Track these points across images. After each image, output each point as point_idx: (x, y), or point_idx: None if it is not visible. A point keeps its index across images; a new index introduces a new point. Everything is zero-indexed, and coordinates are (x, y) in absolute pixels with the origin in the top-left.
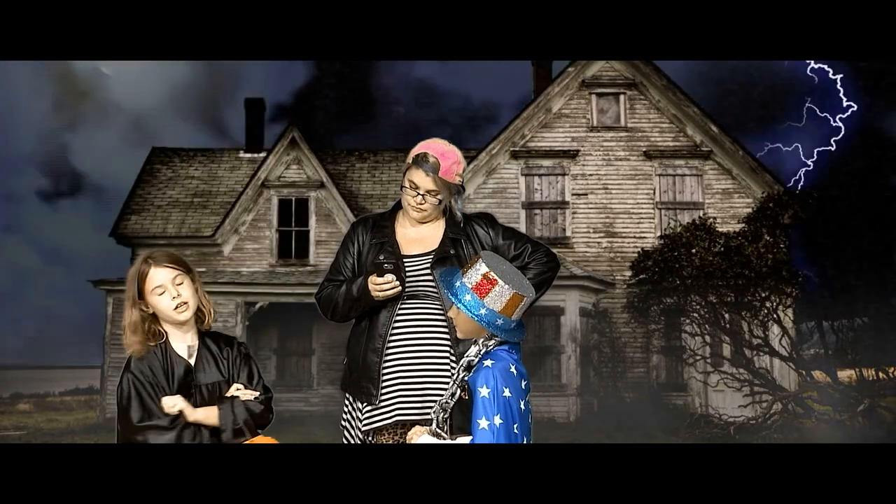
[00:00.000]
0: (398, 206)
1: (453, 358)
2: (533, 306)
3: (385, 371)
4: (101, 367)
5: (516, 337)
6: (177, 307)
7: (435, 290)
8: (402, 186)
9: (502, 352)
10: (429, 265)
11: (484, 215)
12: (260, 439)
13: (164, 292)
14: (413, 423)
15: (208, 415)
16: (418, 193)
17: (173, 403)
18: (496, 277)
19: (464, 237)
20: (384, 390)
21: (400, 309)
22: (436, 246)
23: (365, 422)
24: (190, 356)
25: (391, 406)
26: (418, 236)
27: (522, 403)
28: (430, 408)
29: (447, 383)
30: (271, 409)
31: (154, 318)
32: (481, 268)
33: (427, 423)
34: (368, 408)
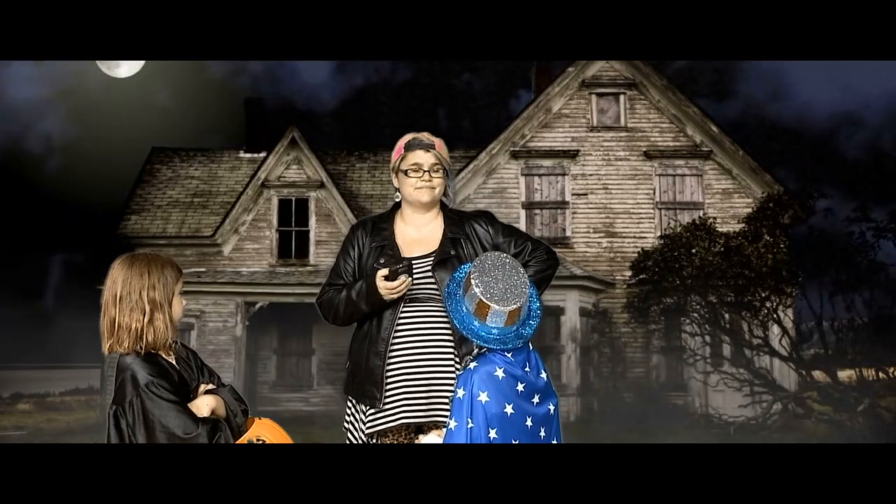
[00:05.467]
0: (397, 206)
1: (457, 360)
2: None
3: (388, 374)
4: (101, 367)
5: (493, 344)
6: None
7: (437, 292)
8: (396, 190)
9: (493, 355)
10: (430, 267)
11: (483, 213)
12: (264, 426)
13: (181, 294)
14: (417, 426)
15: (217, 403)
16: (424, 171)
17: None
18: (472, 278)
19: (463, 237)
20: (388, 393)
21: (402, 312)
22: (436, 247)
23: (369, 425)
24: (171, 360)
25: (396, 409)
26: (419, 237)
27: (510, 407)
28: (435, 410)
29: (451, 385)
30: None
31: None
32: (470, 266)
33: (436, 425)
34: (372, 411)
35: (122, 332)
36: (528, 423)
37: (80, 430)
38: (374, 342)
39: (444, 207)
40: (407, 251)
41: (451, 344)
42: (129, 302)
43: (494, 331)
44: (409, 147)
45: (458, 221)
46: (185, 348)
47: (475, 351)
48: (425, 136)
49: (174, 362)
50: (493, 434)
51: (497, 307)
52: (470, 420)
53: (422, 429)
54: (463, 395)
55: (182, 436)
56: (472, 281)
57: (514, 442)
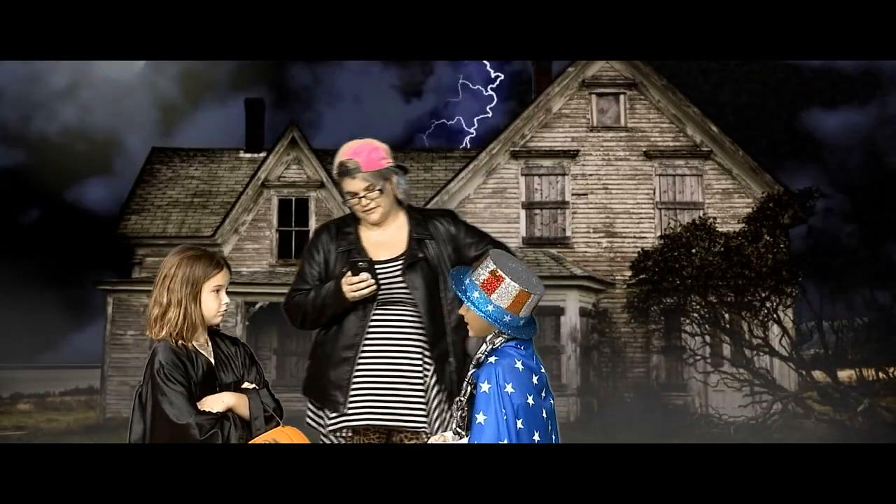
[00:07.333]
0: None
1: (427, 363)
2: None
3: (356, 378)
4: (101, 367)
5: (525, 334)
6: (222, 310)
7: (408, 295)
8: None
9: (509, 348)
10: (400, 271)
11: (446, 212)
12: (283, 433)
13: (219, 292)
14: (382, 428)
15: (239, 402)
16: (359, 198)
17: (211, 405)
18: (503, 274)
19: (428, 237)
20: (353, 395)
21: (373, 315)
22: (403, 249)
23: (330, 424)
24: (207, 354)
25: (359, 410)
26: (384, 239)
27: (531, 398)
28: (399, 412)
29: (418, 388)
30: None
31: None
32: (489, 265)
33: (412, 429)
34: (334, 415)
35: (148, 319)
36: (543, 414)
37: (80, 430)
38: (342, 346)
39: (405, 205)
40: (373, 254)
41: (420, 346)
42: (154, 292)
43: (522, 321)
44: (338, 175)
45: (422, 221)
46: (234, 343)
47: (487, 348)
48: (349, 159)
49: (209, 356)
50: (520, 424)
51: (536, 295)
52: (504, 410)
53: (391, 432)
54: (489, 388)
55: (175, 422)
56: (505, 277)
57: (535, 433)
